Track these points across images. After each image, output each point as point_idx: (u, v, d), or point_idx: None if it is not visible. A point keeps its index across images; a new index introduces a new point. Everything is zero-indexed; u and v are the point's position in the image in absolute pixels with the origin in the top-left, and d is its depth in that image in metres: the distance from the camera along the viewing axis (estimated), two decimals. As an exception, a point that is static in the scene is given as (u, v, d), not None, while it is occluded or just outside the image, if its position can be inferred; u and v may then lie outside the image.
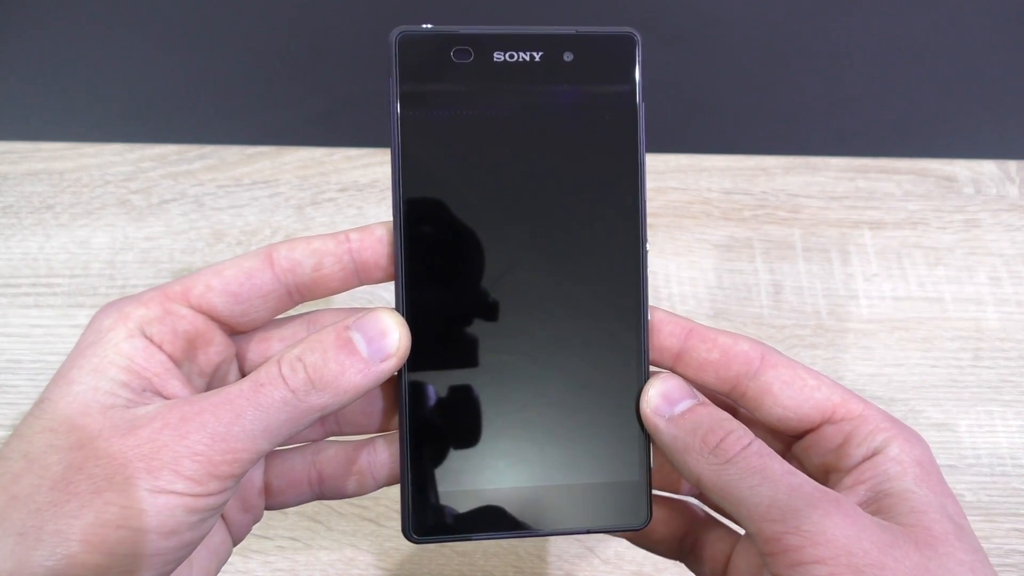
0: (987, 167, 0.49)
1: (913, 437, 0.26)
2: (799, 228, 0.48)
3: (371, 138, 0.50)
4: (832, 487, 0.26)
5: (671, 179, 0.49)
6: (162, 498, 0.22)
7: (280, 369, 0.24)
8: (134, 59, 0.54)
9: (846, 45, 0.55)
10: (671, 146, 0.50)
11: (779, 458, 0.25)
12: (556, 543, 0.41)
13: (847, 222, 0.48)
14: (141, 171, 0.48)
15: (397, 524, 0.41)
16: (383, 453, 0.29)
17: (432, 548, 0.40)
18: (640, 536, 0.30)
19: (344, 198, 0.48)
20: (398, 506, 0.41)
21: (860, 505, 0.25)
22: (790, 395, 0.27)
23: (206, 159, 0.48)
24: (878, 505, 0.25)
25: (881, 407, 0.27)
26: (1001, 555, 0.40)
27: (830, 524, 0.23)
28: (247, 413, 0.24)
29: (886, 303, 0.46)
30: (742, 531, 0.28)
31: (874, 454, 0.26)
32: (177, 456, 0.23)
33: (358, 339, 0.25)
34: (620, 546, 0.41)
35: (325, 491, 0.29)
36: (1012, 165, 0.50)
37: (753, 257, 0.47)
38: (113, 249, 0.46)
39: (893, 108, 0.56)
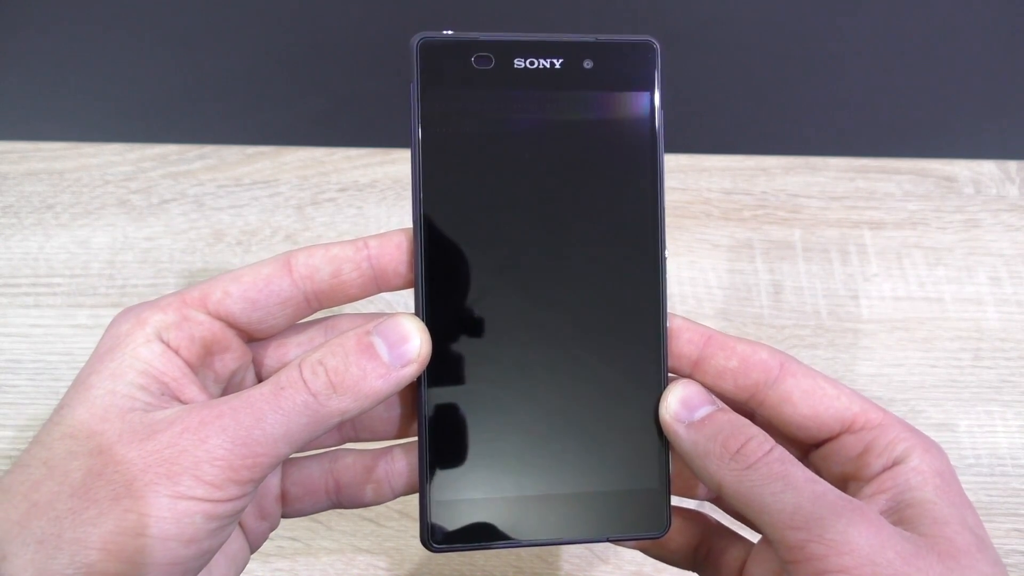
0: (987, 167, 0.49)
1: (933, 447, 0.26)
2: (799, 228, 0.48)
3: (371, 138, 0.50)
4: (852, 496, 0.25)
5: (671, 179, 0.49)
6: (182, 504, 0.22)
7: (301, 373, 0.24)
8: (134, 59, 0.54)
9: (846, 45, 0.55)
10: (671, 146, 0.49)
11: (801, 465, 0.25)
12: (556, 543, 0.41)
13: (847, 222, 0.48)
14: (141, 171, 0.48)
15: (397, 524, 0.41)
16: (400, 462, 0.29)
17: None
18: (655, 546, 0.30)
19: (344, 198, 0.48)
20: (398, 506, 0.42)
21: (881, 515, 0.25)
22: (810, 404, 0.27)
23: (206, 159, 0.48)
24: (899, 515, 0.25)
25: (882, 407, 0.27)
26: (1001, 555, 0.40)
27: (854, 533, 0.23)
28: (268, 416, 0.23)
29: (886, 303, 0.46)
30: (756, 539, 0.28)
31: (894, 464, 0.26)
32: (197, 461, 0.23)
33: (379, 344, 0.25)
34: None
35: (342, 499, 0.29)
36: (1012, 165, 0.50)
37: (753, 257, 0.47)
38: (113, 249, 0.46)
39: (893, 108, 0.56)
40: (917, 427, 0.27)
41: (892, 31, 0.54)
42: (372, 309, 0.44)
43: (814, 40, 0.55)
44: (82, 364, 0.25)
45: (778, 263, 0.47)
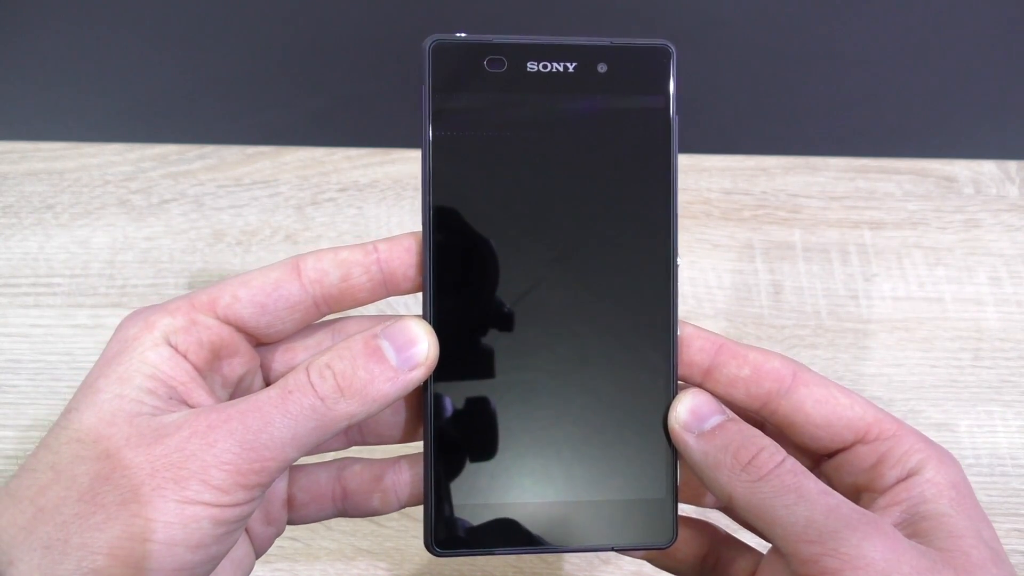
0: (987, 167, 0.50)
1: (947, 459, 0.26)
2: (799, 228, 0.48)
3: (371, 138, 0.50)
4: (865, 508, 0.25)
5: (671, 179, 0.49)
6: (189, 509, 0.22)
7: (309, 376, 0.24)
8: (134, 59, 0.54)
9: (846, 45, 0.55)
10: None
11: (813, 476, 0.25)
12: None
13: (847, 222, 0.48)
14: (141, 171, 0.48)
15: (397, 524, 0.41)
16: (407, 473, 0.28)
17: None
18: (662, 556, 0.30)
19: (344, 198, 0.48)
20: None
21: (895, 528, 0.24)
22: (823, 414, 0.27)
23: (206, 159, 0.48)
24: (913, 528, 0.25)
25: (883, 408, 0.27)
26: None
27: (869, 547, 0.23)
28: (275, 420, 0.23)
29: (886, 303, 0.46)
30: (764, 549, 0.28)
31: (909, 476, 0.26)
32: (205, 465, 0.22)
33: (387, 347, 0.25)
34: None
35: (348, 507, 0.29)
36: (1012, 165, 0.50)
37: (753, 257, 0.47)
38: (113, 249, 0.46)
39: (893, 108, 0.56)
40: (917, 427, 0.27)
41: (892, 31, 0.54)
42: (372, 310, 0.44)
43: (814, 40, 0.55)
44: (82, 364, 0.25)
45: (778, 263, 0.47)
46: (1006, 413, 0.44)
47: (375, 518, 0.41)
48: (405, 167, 0.48)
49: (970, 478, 0.42)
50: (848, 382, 0.44)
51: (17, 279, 0.45)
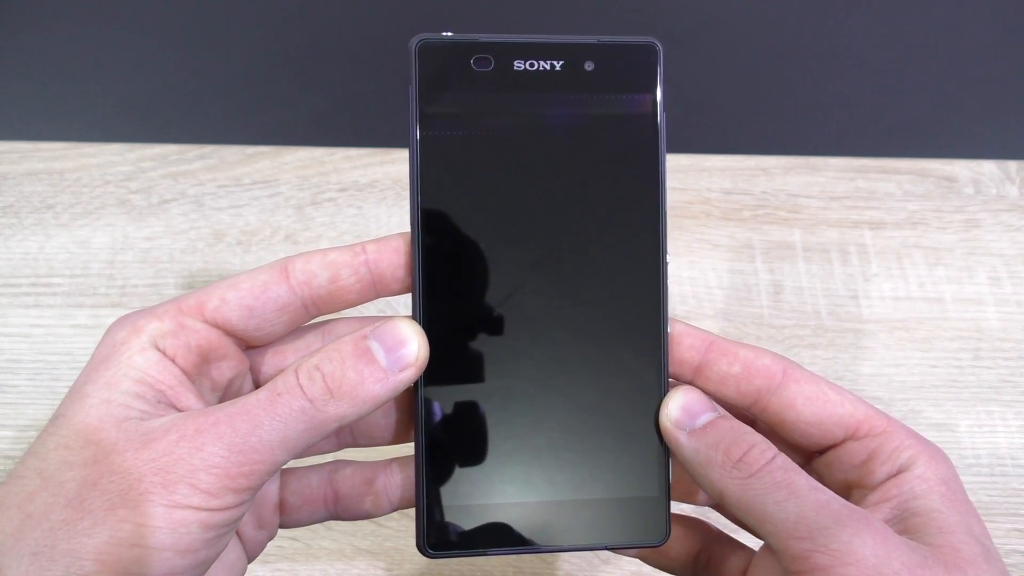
0: (987, 167, 0.49)
1: (938, 455, 0.26)
2: (799, 228, 0.48)
3: (371, 138, 0.50)
4: (855, 504, 0.25)
5: (671, 179, 0.49)
6: (177, 513, 0.22)
7: (298, 378, 0.24)
8: (134, 59, 0.54)
9: (846, 45, 0.55)
10: (671, 146, 0.49)
11: (804, 473, 0.25)
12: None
13: (847, 222, 0.48)
14: (141, 171, 0.48)
15: (397, 524, 0.41)
16: (398, 475, 0.28)
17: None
18: (655, 554, 0.30)
19: (344, 198, 0.48)
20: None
21: (886, 523, 0.24)
22: (813, 410, 0.26)
23: (206, 159, 0.48)
24: (904, 524, 0.25)
25: (881, 408, 0.27)
26: (1001, 555, 0.40)
27: (859, 543, 0.23)
28: (264, 423, 0.23)
29: (886, 303, 0.46)
30: (756, 547, 0.28)
31: (899, 472, 0.26)
32: (193, 469, 0.22)
33: (376, 348, 0.25)
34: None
35: (340, 510, 0.29)
36: (1012, 165, 0.50)
37: (753, 257, 0.47)
38: (113, 249, 0.46)
39: (893, 108, 0.56)
40: (917, 427, 0.27)
41: (892, 31, 0.54)
42: (372, 311, 0.44)
43: (814, 40, 0.55)
44: (82, 364, 0.25)
45: (778, 263, 0.47)
46: (1006, 413, 0.44)
47: (375, 518, 0.41)
48: (405, 167, 0.48)
49: (970, 478, 0.42)
50: (848, 382, 0.44)
51: (17, 279, 0.45)
